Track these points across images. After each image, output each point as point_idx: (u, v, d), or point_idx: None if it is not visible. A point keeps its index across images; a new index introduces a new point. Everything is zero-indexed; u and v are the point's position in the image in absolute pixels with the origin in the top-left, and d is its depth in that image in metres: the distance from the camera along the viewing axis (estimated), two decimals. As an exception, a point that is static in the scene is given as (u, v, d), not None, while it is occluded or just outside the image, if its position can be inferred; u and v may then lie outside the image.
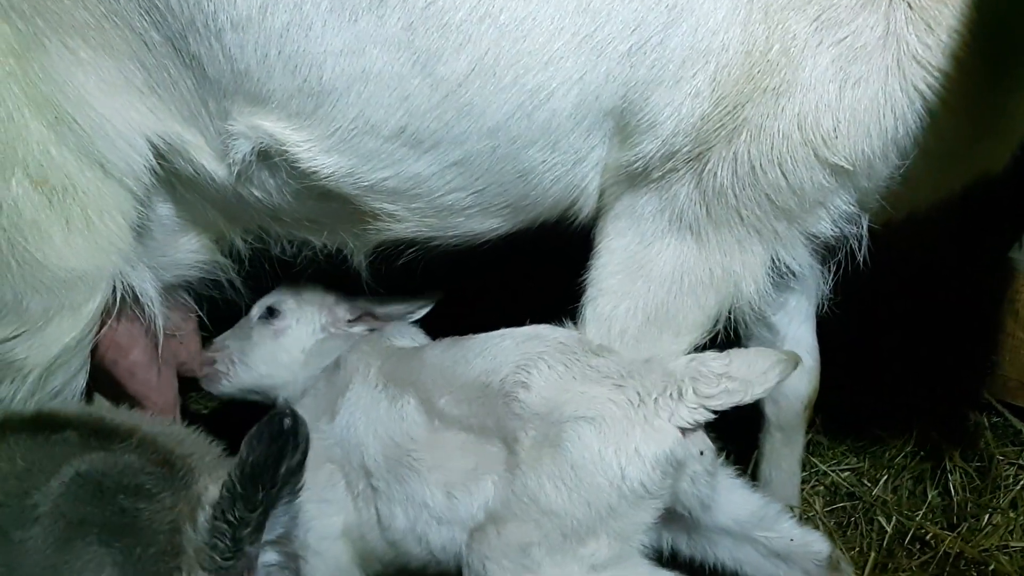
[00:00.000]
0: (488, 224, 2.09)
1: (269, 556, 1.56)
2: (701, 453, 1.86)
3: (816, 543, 2.00)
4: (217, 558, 1.47)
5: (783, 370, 1.88)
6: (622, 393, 1.84)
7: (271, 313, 2.38)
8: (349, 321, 2.38)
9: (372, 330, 2.36)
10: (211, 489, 1.54)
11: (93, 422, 1.72)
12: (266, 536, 1.51)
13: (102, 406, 2.11)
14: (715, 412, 1.84)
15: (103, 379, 2.18)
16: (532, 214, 2.08)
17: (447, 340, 2.13)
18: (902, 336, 3.00)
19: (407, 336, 2.28)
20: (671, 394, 1.82)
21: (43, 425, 1.70)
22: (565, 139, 1.92)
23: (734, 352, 1.89)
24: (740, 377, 1.84)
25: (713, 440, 2.78)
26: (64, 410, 1.84)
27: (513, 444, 1.85)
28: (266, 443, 1.43)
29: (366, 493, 2.02)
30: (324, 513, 2.01)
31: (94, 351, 2.08)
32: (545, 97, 1.85)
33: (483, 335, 2.05)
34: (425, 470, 1.94)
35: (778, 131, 1.83)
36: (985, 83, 1.81)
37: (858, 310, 2.48)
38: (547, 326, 2.04)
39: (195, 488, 1.57)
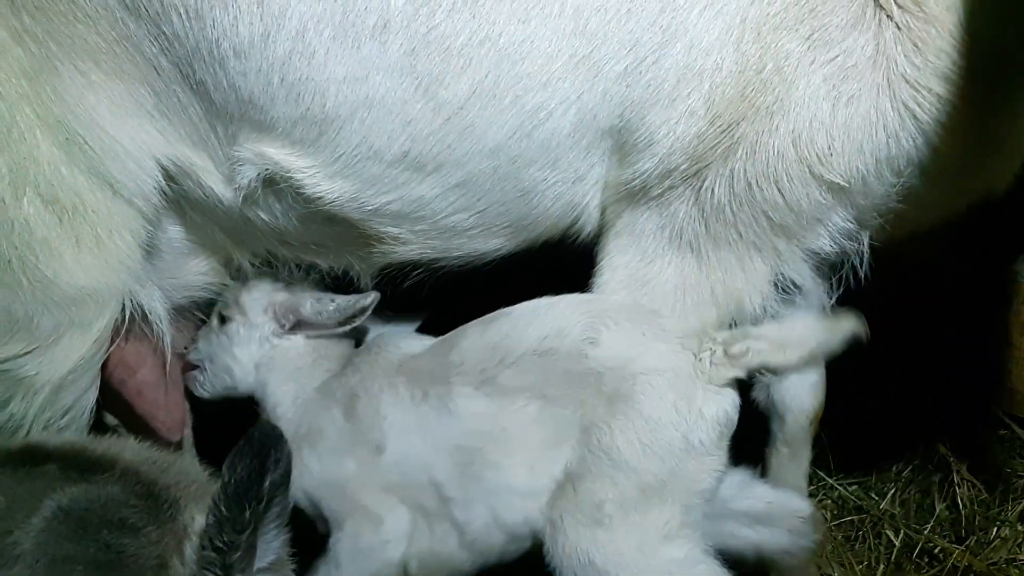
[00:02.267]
0: (491, 244, 2.10)
1: (264, 584, 1.52)
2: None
3: (795, 501, 2.01)
4: None
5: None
6: (686, 352, 1.87)
7: (222, 320, 2.25)
8: (291, 328, 2.22)
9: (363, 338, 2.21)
10: (197, 519, 1.49)
11: (74, 453, 1.67)
12: (258, 563, 1.46)
13: (84, 435, 2.05)
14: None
15: (111, 399, 2.19)
16: (534, 233, 2.09)
17: (474, 324, 2.05)
18: (908, 349, 2.99)
19: (414, 341, 2.18)
20: (720, 353, 1.86)
21: (26, 458, 1.66)
22: (564, 158, 1.94)
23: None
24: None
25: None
26: (47, 442, 1.80)
27: (587, 402, 1.84)
28: (247, 460, 1.39)
29: (441, 510, 1.95)
30: (386, 549, 1.97)
31: (101, 371, 2.08)
32: (544, 117, 1.87)
33: (519, 307, 2.02)
34: (503, 458, 1.90)
35: (773, 148, 1.84)
36: (979, 104, 1.81)
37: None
38: (591, 295, 2.04)
39: (180, 520, 1.53)
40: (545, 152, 1.91)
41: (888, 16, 1.80)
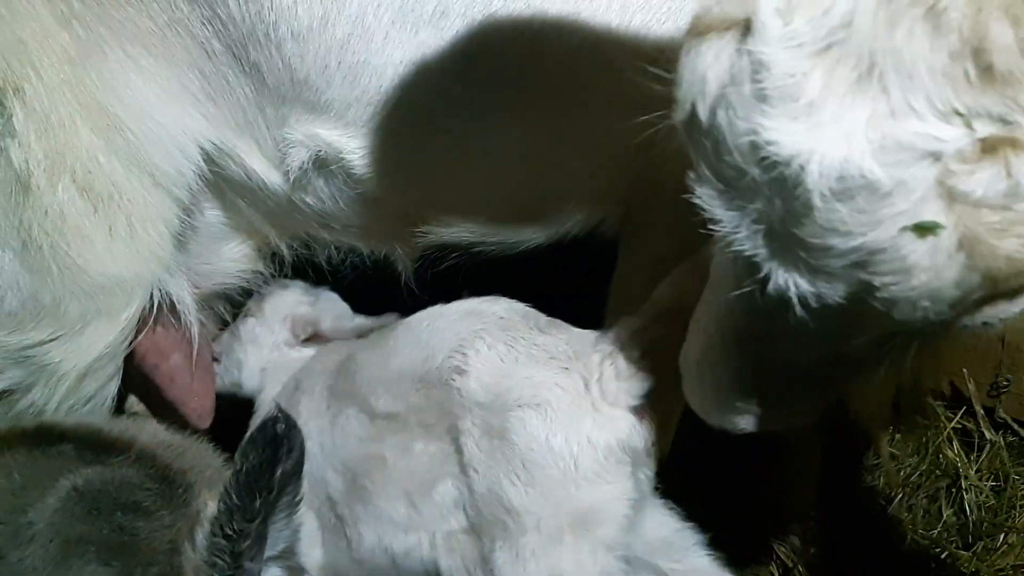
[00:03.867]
0: (525, 234, 2.10)
1: (272, 572, 1.52)
2: (653, 444, 1.72)
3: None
4: None
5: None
6: (569, 377, 1.66)
7: (245, 315, 2.28)
8: (305, 340, 2.24)
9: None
10: (210, 505, 1.50)
11: (90, 434, 1.67)
12: (268, 552, 1.47)
13: (100, 417, 2.05)
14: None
15: (141, 384, 2.18)
16: (566, 225, 2.09)
17: (376, 332, 1.95)
18: (916, 352, 3.02)
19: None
20: (612, 372, 1.66)
21: (41, 438, 1.66)
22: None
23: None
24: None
25: (723, 456, 2.81)
26: (62, 422, 1.80)
27: (457, 439, 1.68)
28: (259, 450, 1.39)
29: (336, 526, 1.89)
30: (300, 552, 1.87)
31: (134, 354, 2.08)
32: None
33: (411, 318, 1.88)
34: (381, 487, 1.77)
35: None
36: None
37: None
38: (487, 299, 1.85)
39: (194, 505, 1.54)
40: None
41: None
